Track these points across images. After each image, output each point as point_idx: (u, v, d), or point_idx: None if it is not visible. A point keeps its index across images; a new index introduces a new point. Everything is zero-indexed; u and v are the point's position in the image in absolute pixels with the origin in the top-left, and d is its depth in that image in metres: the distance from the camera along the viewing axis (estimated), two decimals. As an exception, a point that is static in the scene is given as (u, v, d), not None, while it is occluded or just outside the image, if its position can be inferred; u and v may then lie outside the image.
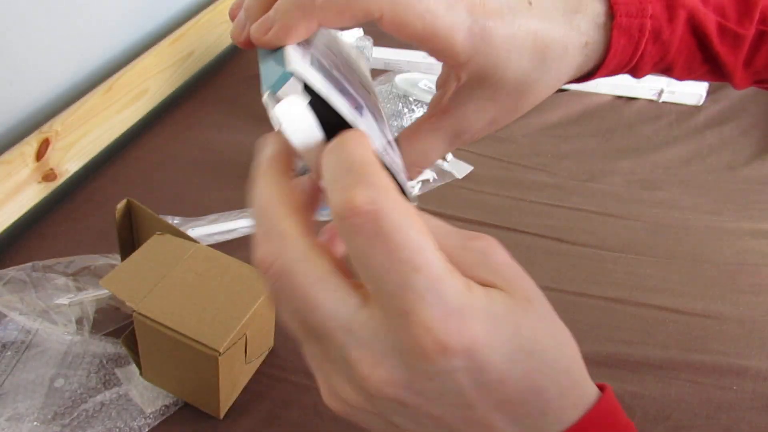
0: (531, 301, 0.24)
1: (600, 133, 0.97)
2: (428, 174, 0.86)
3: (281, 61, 0.24)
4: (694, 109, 1.02)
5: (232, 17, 0.29)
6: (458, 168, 0.88)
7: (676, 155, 0.93)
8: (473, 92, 0.30)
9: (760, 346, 0.64)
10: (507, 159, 0.91)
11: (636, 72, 0.35)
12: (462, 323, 0.22)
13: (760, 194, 0.85)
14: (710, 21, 0.33)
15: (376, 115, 0.29)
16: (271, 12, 0.26)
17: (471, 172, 0.88)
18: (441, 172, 0.87)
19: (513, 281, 0.24)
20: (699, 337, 0.65)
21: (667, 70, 0.36)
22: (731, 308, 0.69)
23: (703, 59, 0.35)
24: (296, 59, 0.24)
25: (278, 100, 0.23)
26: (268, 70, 0.25)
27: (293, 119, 0.23)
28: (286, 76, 0.23)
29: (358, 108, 0.26)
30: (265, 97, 0.23)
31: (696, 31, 0.33)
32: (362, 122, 0.25)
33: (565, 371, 0.24)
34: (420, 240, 0.21)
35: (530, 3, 0.29)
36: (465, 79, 0.30)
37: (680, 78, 0.37)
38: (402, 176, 0.27)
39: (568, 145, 0.95)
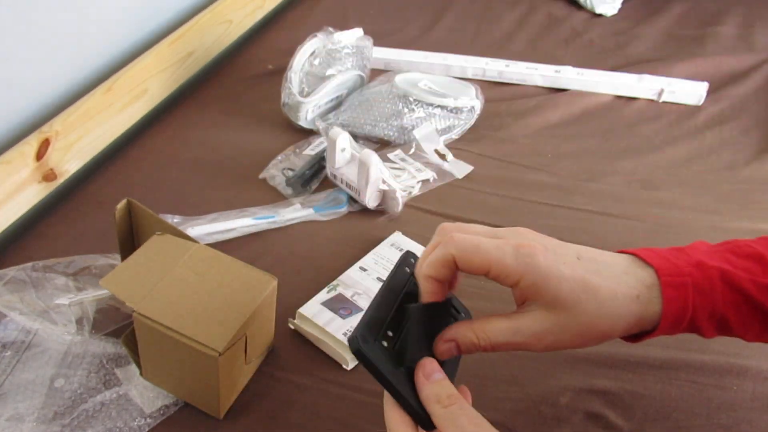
0: None
1: (600, 133, 0.97)
2: (428, 174, 0.86)
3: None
4: (694, 109, 1.02)
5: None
6: (458, 168, 0.88)
7: (676, 155, 0.93)
8: (532, 303, 0.41)
9: (760, 346, 0.64)
10: (507, 159, 0.91)
11: (699, 329, 0.42)
12: None
13: (760, 194, 0.85)
14: (742, 278, 0.41)
15: None
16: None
17: (471, 172, 0.88)
18: (441, 172, 0.87)
19: None
20: (699, 337, 0.65)
21: (728, 329, 0.43)
22: (731, 308, 0.69)
23: (752, 313, 0.42)
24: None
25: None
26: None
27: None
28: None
29: None
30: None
31: (732, 286, 0.41)
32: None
33: None
34: None
35: (578, 258, 0.41)
36: (519, 293, 0.41)
37: (749, 339, 0.44)
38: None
39: (568, 145, 0.95)
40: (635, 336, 0.44)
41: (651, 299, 0.41)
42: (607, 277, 0.40)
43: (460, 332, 0.43)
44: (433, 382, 0.40)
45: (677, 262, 0.41)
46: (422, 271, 0.43)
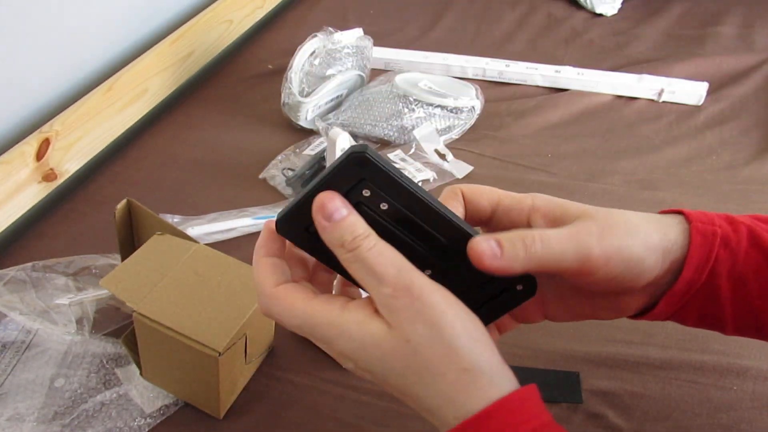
0: (408, 341, 0.33)
1: (600, 133, 0.97)
2: (428, 174, 0.86)
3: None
4: (694, 109, 1.02)
5: None
6: (458, 168, 0.88)
7: (676, 155, 0.93)
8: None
9: (760, 346, 0.64)
10: (507, 159, 0.91)
11: (717, 288, 0.40)
12: (340, 340, 0.35)
13: (760, 194, 0.85)
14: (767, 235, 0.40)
15: None
16: None
17: (471, 172, 0.88)
18: (441, 172, 0.87)
19: (401, 325, 0.34)
20: (699, 337, 0.65)
21: (745, 294, 0.40)
22: (731, 308, 0.69)
23: None
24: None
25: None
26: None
27: None
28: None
29: None
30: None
31: (759, 245, 0.40)
32: None
33: (440, 391, 0.33)
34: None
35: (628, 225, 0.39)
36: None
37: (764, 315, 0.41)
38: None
39: (568, 145, 0.95)
40: (652, 304, 0.41)
41: (679, 245, 0.39)
42: (632, 214, 0.39)
43: (506, 235, 0.36)
44: (334, 223, 0.34)
45: (708, 213, 0.40)
46: None
